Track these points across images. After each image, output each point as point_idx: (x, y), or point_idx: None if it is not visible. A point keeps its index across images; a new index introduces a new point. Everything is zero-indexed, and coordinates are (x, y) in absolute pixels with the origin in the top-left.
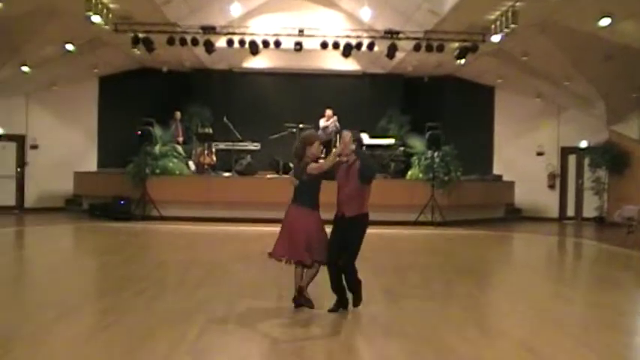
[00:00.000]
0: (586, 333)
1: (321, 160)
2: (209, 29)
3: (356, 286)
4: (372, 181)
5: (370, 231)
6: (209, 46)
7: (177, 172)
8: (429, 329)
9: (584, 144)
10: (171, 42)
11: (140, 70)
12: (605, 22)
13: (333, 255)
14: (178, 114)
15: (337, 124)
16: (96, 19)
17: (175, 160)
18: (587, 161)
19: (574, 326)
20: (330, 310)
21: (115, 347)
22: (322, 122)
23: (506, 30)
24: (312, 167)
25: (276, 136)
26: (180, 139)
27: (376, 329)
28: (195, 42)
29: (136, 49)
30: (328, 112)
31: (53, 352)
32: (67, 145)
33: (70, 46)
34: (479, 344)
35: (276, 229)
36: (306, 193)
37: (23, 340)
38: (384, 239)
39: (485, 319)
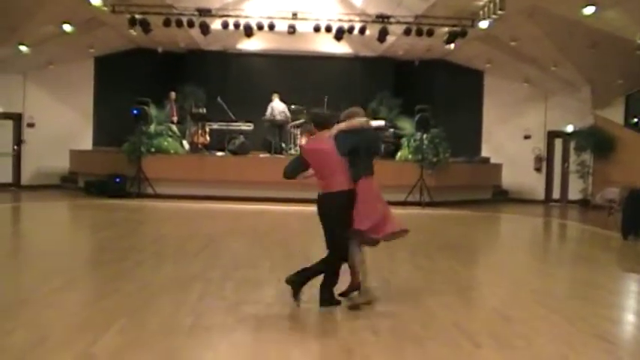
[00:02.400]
0: (560, 303)
1: None
2: (205, 11)
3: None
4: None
5: None
6: (204, 28)
7: (172, 151)
8: (412, 297)
9: (570, 128)
10: (167, 23)
11: (136, 51)
12: (589, 10)
13: None
14: (173, 94)
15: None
16: (95, 0)
17: (170, 140)
18: (572, 145)
19: (549, 297)
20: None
21: (120, 310)
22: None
23: (494, 16)
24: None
25: (269, 116)
26: (175, 118)
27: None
28: (190, 24)
29: (132, 30)
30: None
31: (61, 315)
32: (63, 124)
33: (67, 27)
34: (458, 311)
35: (269, 207)
36: None
37: (32, 305)
38: None
39: (465, 290)
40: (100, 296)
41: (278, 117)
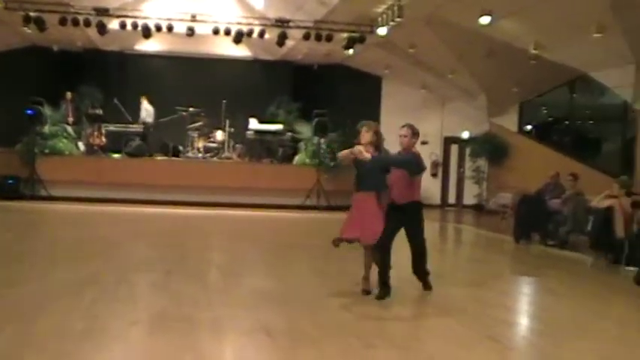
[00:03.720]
0: (453, 305)
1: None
2: (102, 11)
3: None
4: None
5: (258, 213)
6: (102, 28)
7: (67, 153)
8: (307, 299)
9: (466, 134)
10: (63, 22)
11: (31, 49)
12: (485, 20)
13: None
14: (69, 94)
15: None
16: None
17: (65, 141)
18: (468, 151)
19: (443, 299)
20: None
21: (11, 315)
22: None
23: (392, 23)
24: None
25: (166, 119)
26: (71, 119)
27: (258, 298)
28: (87, 23)
29: (26, 28)
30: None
31: None
32: None
33: None
34: (353, 312)
35: (166, 210)
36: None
37: None
38: (272, 221)
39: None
40: None
41: (147, 119)
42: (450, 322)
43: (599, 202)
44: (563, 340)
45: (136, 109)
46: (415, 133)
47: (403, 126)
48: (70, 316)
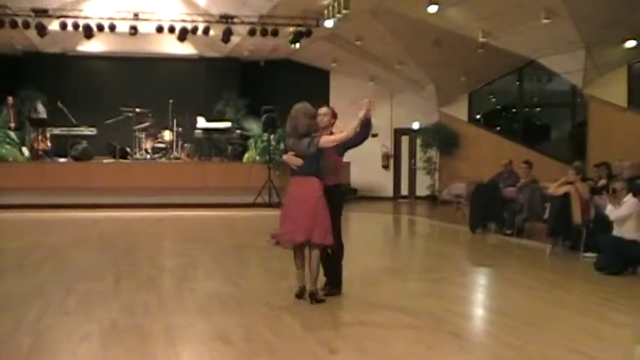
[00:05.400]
0: (412, 301)
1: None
2: (41, 12)
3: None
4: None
5: (210, 213)
6: (41, 29)
7: (10, 159)
8: (263, 303)
9: (416, 125)
10: (1, 25)
11: None
12: (433, 8)
13: None
14: (11, 99)
15: None
16: None
17: (8, 147)
18: (419, 142)
19: (401, 296)
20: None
21: None
22: None
23: (338, 15)
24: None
25: (112, 120)
26: (13, 124)
27: (214, 303)
28: (26, 25)
29: None
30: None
31: None
32: None
33: None
34: (309, 316)
35: (115, 213)
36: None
37: None
38: (224, 221)
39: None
40: None
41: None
42: (410, 321)
43: (555, 189)
44: (528, 333)
45: (81, 112)
46: (334, 115)
47: (323, 106)
48: (15, 333)
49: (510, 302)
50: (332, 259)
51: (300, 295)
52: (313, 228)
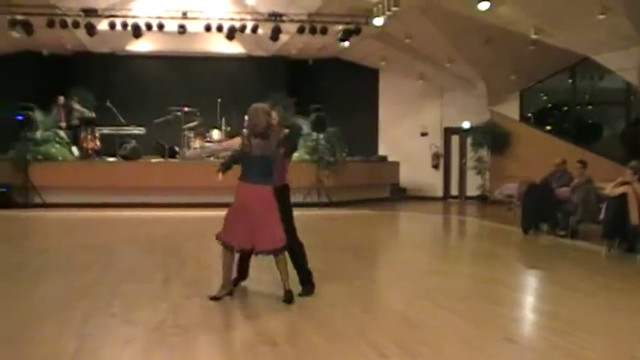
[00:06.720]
0: (464, 305)
1: None
2: (90, 12)
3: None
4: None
5: None
6: (91, 29)
7: (61, 158)
8: (310, 304)
9: (466, 124)
10: (51, 25)
11: (20, 54)
12: (483, 5)
13: None
14: (62, 98)
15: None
16: None
17: (58, 146)
18: (469, 141)
19: (453, 299)
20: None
21: (0, 332)
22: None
23: (388, 13)
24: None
25: (161, 120)
26: (63, 124)
27: (263, 305)
28: (76, 24)
29: (14, 32)
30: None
31: None
32: None
33: None
34: (360, 317)
35: (164, 213)
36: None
37: None
38: None
39: (366, 294)
40: None
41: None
42: (461, 324)
43: (612, 189)
44: (585, 339)
45: (129, 112)
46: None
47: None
48: (60, 337)
49: (565, 306)
50: (294, 259)
51: (217, 298)
52: (259, 235)
